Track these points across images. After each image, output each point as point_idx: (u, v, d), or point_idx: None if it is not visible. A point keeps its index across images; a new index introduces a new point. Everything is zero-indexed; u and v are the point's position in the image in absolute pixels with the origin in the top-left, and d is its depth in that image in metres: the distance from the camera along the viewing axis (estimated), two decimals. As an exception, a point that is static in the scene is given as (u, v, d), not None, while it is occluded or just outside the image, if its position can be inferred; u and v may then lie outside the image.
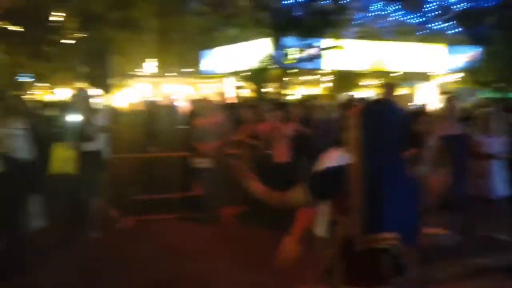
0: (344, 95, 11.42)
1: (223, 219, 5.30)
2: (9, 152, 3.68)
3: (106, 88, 6.27)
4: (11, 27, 11.98)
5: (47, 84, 16.22)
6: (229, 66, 15.66)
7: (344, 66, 15.30)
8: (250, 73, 14.40)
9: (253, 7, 12.99)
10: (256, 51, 14.42)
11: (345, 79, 15.67)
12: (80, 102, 4.76)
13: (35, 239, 4.21)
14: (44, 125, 5.00)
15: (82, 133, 4.52)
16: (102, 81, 6.20)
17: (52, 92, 15.70)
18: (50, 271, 3.80)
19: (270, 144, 4.93)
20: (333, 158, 1.79)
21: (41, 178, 4.21)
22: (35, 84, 15.41)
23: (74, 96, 5.09)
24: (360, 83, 16.26)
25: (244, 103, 8.63)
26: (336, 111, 4.93)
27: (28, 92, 14.20)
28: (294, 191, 1.62)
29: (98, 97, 10.74)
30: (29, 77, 14.55)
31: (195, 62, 16.43)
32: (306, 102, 6.80)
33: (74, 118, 4.78)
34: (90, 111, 4.70)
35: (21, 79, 13.99)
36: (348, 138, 1.49)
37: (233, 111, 6.79)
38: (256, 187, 1.75)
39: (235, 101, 11.20)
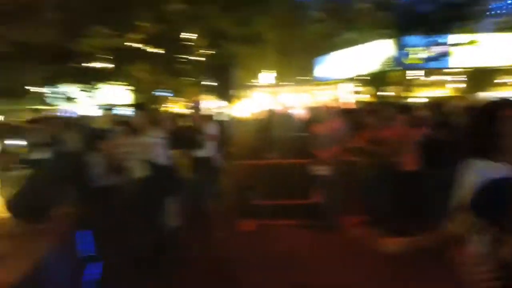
0: (479, 96, 10.08)
1: (343, 228, 5.15)
2: (152, 158, 4.18)
3: (230, 99, 6.71)
4: (152, 50, 13.82)
5: (180, 98, 18.21)
6: (346, 71, 15.29)
7: (478, 63, 13.54)
8: (369, 76, 13.82)
9: (374, 8, 12.47)
10: (375, 53, 13.79)
11: (481, 77, 13.83)
12: (193, 113, 5.19)
13: (172, 236, 4.71)
14: (178, 134, 5.57)
15: (194, 141, 4.88)
16: (226, 93, 6.65)
17: (184, 105, 17.52)
18: (182, 265, 4.20)
19: (396, 151, 4.60)
20: (488, 169, 1.50)
21: (177, 182, 4.67)
22: (171, 98, 17.44)
23: (190, 108, 5.57)
24: (498, 82, 14.17)
25: (363, 108, 8.30)
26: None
27: (164, 105, 16.13)
28: (452, 221, 1.41)
29: (222, 108, 11.61)
30: (168, 93, 16.54)
31: (310, 69, 16.49)
32: (438, 104, 6.16)
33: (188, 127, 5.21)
34: (201, 121, 5.10)
35: (160, 94, 15.99)
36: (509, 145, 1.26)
37: (352, 117, 6.59)
38: (397, 243, 1.59)
39: (353, 106, 10.87)
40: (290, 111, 9.01)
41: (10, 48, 9.99)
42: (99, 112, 12.98)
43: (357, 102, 12.57)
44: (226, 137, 7.58)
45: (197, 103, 5.45)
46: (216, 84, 6.91)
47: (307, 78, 16.99)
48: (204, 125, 5.11)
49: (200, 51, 14.13)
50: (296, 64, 16.58)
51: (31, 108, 17.35)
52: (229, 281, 3.93)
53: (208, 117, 5.93)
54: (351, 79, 14.81)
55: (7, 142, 7.13)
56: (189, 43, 13.75)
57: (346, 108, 9.15)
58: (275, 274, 4.03)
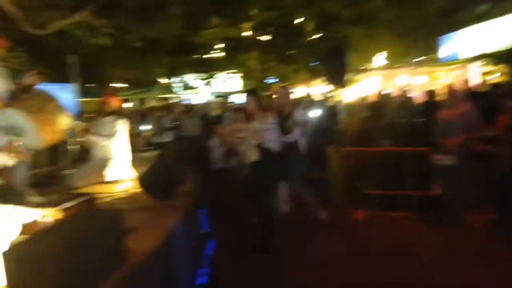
0: None
1: (467, 225, 4.60)
2: (263, 144, 4.26)
3: (342, 84, 6.47)
4: (263, 37, 14.20)
5: (289, 84, 18.38)
6: (476, 49, 13.43)
7: None
8: (506, 53, 11.92)
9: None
10: (512, 26, 11.83)
11: None
12: (281, 98, 5.12)
13: (281, 221, 4.80)
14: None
15: (283, 127, 4.77)
16: (337, 77, 6.43)
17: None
18: (291, 250, 4.25)
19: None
20: None
21: (288, 167, 4.71)
22: (279, 84, 17.75)
23: (277, 92, 5.46)
24: None
25: (498, 90, 7.21)
26: None
27: (273, 92, 16.46)
28: None
29: (332, 92, 11.31)
30: (275, 79, 16.86)
31: (432, 49, 14.90)
32: None
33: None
34: (290, 106, 5.01)
35: (270, 81, 16.38)
36: None
37: (483, 100, 5.78)
38: None
39: (483, 88, 9.54)
40: (406, 94, 8.31)
41: (142, 44, 11.28)
42: (215, 99, 13.89)
43: (489, 84, 10.99)
44: (336, 122, 7.37)
45: (285, 89, 5.37)
46: (326, 68, 6.73)
47: (428, 58, 15.43)
48: (293, 110, 5.06)
49: (310, 36, 13.98)
50: (415, 43, 15.17)
51: (158, 96, 19.56)
52: (334, 270, 3.83)
53: (297, 102, 5.87)
54: (481, 57, 12.97)
55: (137, 126, 8.12)
56: (299, 28, 13.72)
57: (476, 91, 8.09)
58: (384, 268, 3.80)
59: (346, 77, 6.30)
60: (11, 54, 9.81)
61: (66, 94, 10.56)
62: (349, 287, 3.55)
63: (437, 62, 13.90)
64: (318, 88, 14.85)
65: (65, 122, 3.50)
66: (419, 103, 7.99)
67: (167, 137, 7.63)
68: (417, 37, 14.74)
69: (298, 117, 5.02)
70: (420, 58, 16.15)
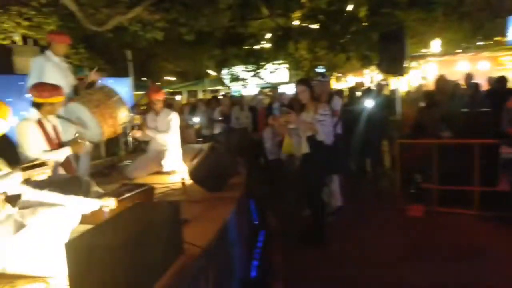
0: None
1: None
2: (314, 136, 4.15)
3: (401, 71, 6.14)
4: (313, 26, 13.83)
5: (338, 74, 17.83)
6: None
7: None
8: None
9: None
10: None
11: None
12: (318, 86, 4.91)
13: (333, 214, 4.69)
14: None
15: None
16: (396, 65, 6.10)
17: (345, 80, 17.11)
18: (342, 245, 4.14)
19: None
20: None
21: (341, 161, 4.56)
22: (329, 73, 17.26)
23: (315, 81, 5.25)
24: None
25: None
26: None
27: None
28: None
29: (386, 81, 10.82)
30: (323, 68, 16.43)
31: (499, 31, 13.66)
32: None
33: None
34: (328, 95, 4.82)
35: (319, 70, 15.98)
36: None
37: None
38: None
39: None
40: (472, 81, 7.71)
41: (195, 37, 11.42)
42: (263, 90, 13.84)
43: None
44: (391, 113, 7.05)
45: (323, 77, 5.16)
46: (382, 55, 6.40)
47: (493, 41, 14.18)
48: (330, 99, 4.88)
49: (362, 23, 13.42)
50: (479, 26, 14.01)
51: (208, 88, 19.90)
52: (387, 267, 3.65)
53: (334, 92, 5.67)
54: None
55: (188, 119, 8.30)
56: (350, 15, 13.22)
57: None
58: (442, 269, 3.55)
59: (399, 64, 5.97)
60: (72, 51, 10.43)
61: (123, 88, 11.06)
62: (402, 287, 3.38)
63: (504, 45, 12.76)
64: (370, 77, 14.29)
65: (124, 115, 3.65)
66: (484, 90, 7.40)
67: (217, 129, 7.72)
68: (480, 19, 13.58)
69: (335, 106, 4.86)
70: (482, 43, 14.94)
